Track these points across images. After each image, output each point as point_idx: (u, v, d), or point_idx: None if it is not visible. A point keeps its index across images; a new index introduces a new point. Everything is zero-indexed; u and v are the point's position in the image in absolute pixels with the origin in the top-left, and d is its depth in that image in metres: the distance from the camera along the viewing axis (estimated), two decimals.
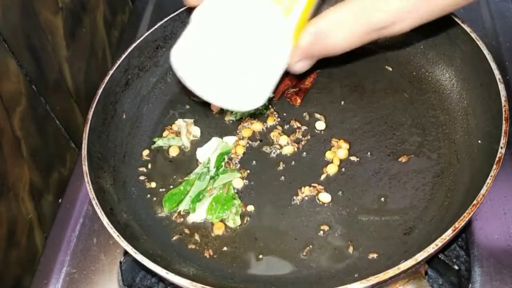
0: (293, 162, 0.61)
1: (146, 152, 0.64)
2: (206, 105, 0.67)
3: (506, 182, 0.61)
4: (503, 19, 0.79)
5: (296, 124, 0.64)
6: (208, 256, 0.55)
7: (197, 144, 0.64)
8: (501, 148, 0.50)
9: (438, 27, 0.62)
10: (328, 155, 0.60)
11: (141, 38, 0.65)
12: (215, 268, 0.54)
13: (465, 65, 0.61)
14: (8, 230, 0.60)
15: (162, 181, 0.62)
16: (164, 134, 0.66)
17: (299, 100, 0.65)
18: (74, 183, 0.71)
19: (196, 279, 0.47)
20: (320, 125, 0.63)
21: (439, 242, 0.45)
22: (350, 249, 0.53)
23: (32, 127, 0.63)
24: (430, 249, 0.45)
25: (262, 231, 0.56)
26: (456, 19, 0.60)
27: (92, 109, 0.60)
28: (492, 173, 0.48)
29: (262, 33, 0.38)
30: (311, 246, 0.54)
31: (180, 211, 0.58)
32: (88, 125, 0.59)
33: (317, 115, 0.64)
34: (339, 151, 0.60)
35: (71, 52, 0.71)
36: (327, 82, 0.68)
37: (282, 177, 0.60)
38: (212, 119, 0.67)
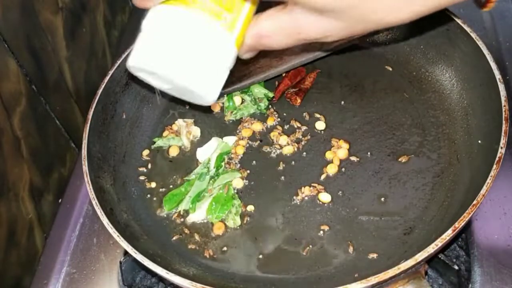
0: (293, 162, 0.61)
1: (146, 152, 0.64)
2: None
3: (506, 182, 0.61)
4: (503, 19, 0.79)
5: (296, 124, 0.64)
6: (208, 256, 0.55)
7: (197, 144, 0.64)
8: (501, 148, 0.50)
9: (438, 27, 0.62)
10: (328, 155, 0.60)
11: None
12: (215, 268, 0.54)
13: (465, 65, 0.61)
14: (8, 230, 0.60)
15: (162, 181, 0.62)
16: (164, 134, 0.66)
17: (299, 100, 0.65)
18: (74, 183, 0.71)
19: (196, 279, 0.47)
20: (320, 125, 0.63)
21: (439, 242, 0.45)
22: (350, 249, 0.53)
23: (32, 127, 0.63)
24: (430, 249, 0.45)
25: (262, 231, 0.56)
26: (456, 19, 0.60)
27: (92, 109, 0.60)
28: (492, 173, 0.48)
29: (208, 46, 0.44)
30: (311, 246, 0.54)
31: (180, 211, 0.58)
32: (88, 125, 0.59)
33: (317, 115, 0.64)
34: (339, 151, 0.60)
35: (71, 52, 0.71)
36: (327, 82, 0.68)
37: (282, 177, 0.60)
38: (212, 119, 0.67)
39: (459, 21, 0.60)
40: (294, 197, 0.58)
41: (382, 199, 0.56)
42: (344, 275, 0.51)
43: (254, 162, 0.62)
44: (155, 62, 0.44)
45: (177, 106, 0.68)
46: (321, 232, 0.55)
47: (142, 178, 0.62)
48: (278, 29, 0.44)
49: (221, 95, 0.65)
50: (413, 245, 0.52)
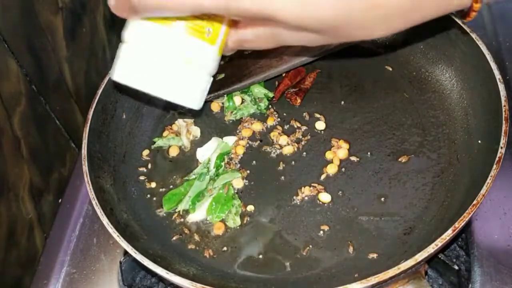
0: (293, 162, 0.61)
1: (146, 152, 0.64)
2: (206, 105, 0.68)
3: (506, 182, 0.61)
4: (503, 19, 0.79)
5: (296, 124, 0.64)
6: (208, 256, 0.55)
7: (197, 144, 0.64)
8: (501, 148, 0.50)
9: (438, 27, 0.62)
10: (328, 155, 0.60)
11: None
12: (215, 268, 0.54)
13: (465, 65, 0.61)
14: (8, 230, 0.60)
15: (162, 181, 0.62)
16: (164, 134, 0.66)
17: (299, 100, 0.65)
18: (74, 183, 0.71)
19: (196, 279, 0.47)
20: (320, 125, 0.63)
21: (439, 242, 0.45)
22: (350, 249, 0.53)
23: (32, 127, 0.63)
24: (430, 249, 0.45)
25: (262, 231, 0.56)
26: (456, 19, 0.60)
27: (92, 109, 0.60)
28: (492, 173, 0.48)
29: (191, 62, 0.45)
30: (311, 246, 0.54)
31: (180, 211, 0.58)
32: (88, 125, 0.59)
33: (317, 115, 0.64)
34: (339, 151, 0.60)
35: (71, 52, 0.71)
36: (327, 82, 0.68)
37: (282, 177, 0.60)
38: (212, 119, 0.67)
39: (459, 21, 0.60)
40: (294, 197, 0.58)
41: (382, 199, 0.56)
42: (344, 275, 0.51)
43: (254, 162, 0.62)
44: (138, 80, 0.45)
45: (177, 106, 0.68)
46: (321, 232, 0.55)
47: (142, 178, 0.62)
48: (259, 37, 0.45)
49: (221, 95, 0.66)
50: (413, 245, 0.52)
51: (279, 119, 0.65)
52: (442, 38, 0.63)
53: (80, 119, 0.75)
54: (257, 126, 0.64)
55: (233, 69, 0.67)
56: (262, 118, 0.65)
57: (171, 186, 0.61)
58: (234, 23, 0.46)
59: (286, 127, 0.64)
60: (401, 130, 0.61)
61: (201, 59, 0.45)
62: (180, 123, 0.66)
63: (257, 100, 0.66)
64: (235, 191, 0.59)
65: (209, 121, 0.66)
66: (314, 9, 0.38)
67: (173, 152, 0.64)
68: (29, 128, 0.63)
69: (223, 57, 0.49)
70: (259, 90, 0.66)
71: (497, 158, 0.49)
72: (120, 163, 0.62)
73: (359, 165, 0.59)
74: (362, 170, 0.59)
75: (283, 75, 0.67)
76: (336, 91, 0.66)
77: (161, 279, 0.61)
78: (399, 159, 0.59)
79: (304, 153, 0.61)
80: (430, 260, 0.52)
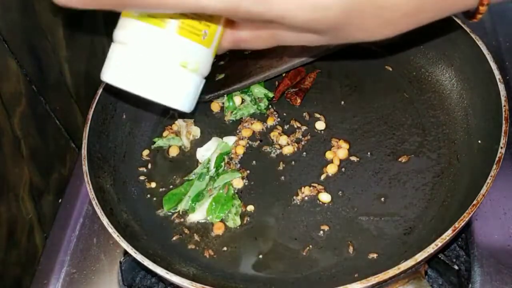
0: (293, 162, 0.61)
1: (146, 152, 0.64)
2: (206, 105, 0.68)
3: (506, 182, 0.61)
4: (503, 19, 0.79)
5: (296, 124, 0.64)
6: (208, 256, 0.55)
7: (197, 144, 0.64)
8: (501, 148, 0.50)
9: (438, 27, 0.62)
10: (328, 155, 0.60)
11: None
12: (215, 268, 0.54)
13: (465, 65, 0.61)
14: (8, 230, 0.59)
15: (162, 181, 0.62)
16: (164, 134, 0.66)
17: (299, 100, 0.65)
18: (74, 183, 0.71)
19: (196, 279, 0.47)
20: (320, 125, 0.63)
21: (439, 242, 0.45)
22: (350, 249, 0.53)
23: (32, 127, 0.63)
24: (430, 249, 0.45)
25: (262, 231, 0.56)
26: (456, 20, 0.60)
27: (92, 109, 0.60)
28: (492, 173, 0.48)
29: (187, 65, 0.44)
30: (311, 246, 0.54)
31: (180, 211, 0.58)
32: (88, 125, 0.59)
33: (317, 115, 0.64)
34: (339, 151, 0.60)
35: (71, 52, 0.71)
36: (327, 82, 0.68)
37: (282, 177, 0.60)
38: (212, 119, 0.67)
39: (458, 21, 0.60)
40: (294, 197, 0.58)
41: (382, 199, 0.56)
42: (344, 275, 0.51)
43: (254, 162, 0.62)
44: (128, 82, 0.43)
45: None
46: (321, 232, 0.55)
47: (142, 178, 0.62)
48: (258, 37, 0.44)
49: (221, 95, 0.66)
50: (413, 245, 0.52)
51: (279, 119, 0.65)
52: (442, 38, 0.63)
53: (80, 119, 0.75)
54: (257, 126, 0.64)
55: (233, 69, 0.67)
56: (262, 118, 0.65)
57: (171, 186, 0.61)
58: (230, 23, 0.45)
59: (286, 127, 0.64)
60: (401, 130, 0.61)
61: (196, 61, 0.44)
62: (180, 123, 0.66)
63: (257, 100, 0.66)
64: (235, 191, 0.59)
65: (209, 121, 0.66)
66: (321, 11, 0.37)
67: (173, 152, 0.64)
68: (29, 128, 0.63)
69: (223, 57, 0.49)
70: (259, 90, 0.66)
71: (497, 158, 0.49)
72: (120, 163, 0.62)
73: (359, 165, 0.59)
74: (362, 170, 0.59)
75: (283, 75, 0.67)
76: (336, 91, 0.66)
77: (161, 279, 0.61)
78: (399, 159, 0.59)
79: (304, 153, 0.61)
80: (430, 260, 0.52)
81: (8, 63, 0.58)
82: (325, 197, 0.57)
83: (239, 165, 0.62)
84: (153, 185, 0.61)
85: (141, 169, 0.63)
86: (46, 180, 0.68)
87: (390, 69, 0.67)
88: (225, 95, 0.66)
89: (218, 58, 0.56)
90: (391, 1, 0.38)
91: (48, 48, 0.66)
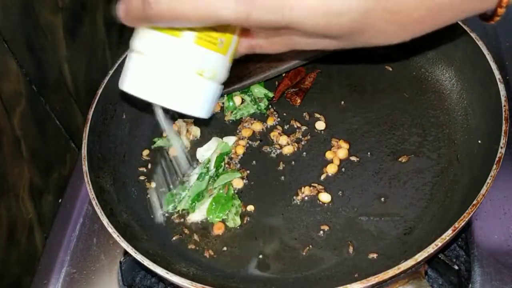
0: (293, 162, 0.61)
1: (146, 152, 0.64)
2: None
3: (506, 182, 0.61)
4: (503, 19, 0.78)
5: (296, 124, 0.64)
6: (208, 256, 0.55)
7: (197, 144, 0.64)
8: (501, 148, 0.50)
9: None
10: (328, 155, 0.60)
11: None
12: (215, 268, 0.54)
13: (465, 65, 0.61)
14: (8, 230, 0.60)
15: (162, 181, 0.62)
16: (164, 134, 0.66)
17: (299, 100, 0.65)
18: (74, 183, 0.71)
19: (196, 279, 0.47)
20: (320, 125, 0.63)
21: (439, 242, 0.45)
22: (350, 249, 0.53)
23: (32, 127, 0.63)
24: (430, 249, 0.45)
25: (262, 231, 0.56)
26: None
27: (92, 109, 0.60)
28: (492, 173, 0.48)
29: (203, 74, 0.44)
30: (311, 246, 0.54)
31: (180, 211, 0.58)
32: (88, 125, 0.59)
33: (317, 115, 0.64)
34: (339, 151, 0.60)
35: (71, 52, 0.71)
36: (327, 82, 0.68)
37: (282, 177, 0.60)
38: (212, 119, 0.67)
39: (458, 21, 0.60)
40: (294, 197, 0.58)
41: (382, 199, 0.56)
42: (344, 275, 0.51)
43: (254, 162, 0.62)
44: (147, 91, 0.44)
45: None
46: (321, 232, 0.55)
47: (142, 178, 0.62)
48: (273, 43, 0.45)
49: (221, 95, 0.66)
50: (413, 245, 0.52)
51: (279, 119, 0.65)
52: (442, 38, 0.63)
53: (80, 119, 0.75)
54: (257, 126, 0.64)
55: (233, 69, 0.67)
56: (262, 118, 0.65)
57: (171, 186, 0.61)
58: (246, 30, 0.45)
59: (286, 127, 0.64)
60: (401, 130, 0.61)
61: (213, 69, 0.44)
62: (180, 123, 0.66)
63: (257, 100, 0.66)
64: (235, 191, 0.59)
65: (209, 121, 0.66)
66: (333, 18, 0.37)
67: (173, 152, 0.64)
68: (29, 128, 0.63)
69: None
70: (259, 90, 0.66)
71: (497, 158, 0.49)
72: (120, 163, 0.62)
73: (359, 165, 0.59)
74: (362, 170, 0.59)
75: (283, 75, 0.67)
76: (336, 91, 0.66)
77: (161, 279, 0.61)
78: (399, 159, 0.59)
79: (304, 153, 0.61)
80: (430, 260, 0.52)
81: (8, 63, 0.58)
82: (325, 197, 0.57)
83: (239, 165, 0.62)
84: (153, 185, 0.61)
85: (141, 169, 0.63)
86: (46, 180, 0.68)
87: (390, 69, 0.67)
88: (225, 95, 0.66)
89: None
90: (404, 5, 0.37)
91: (48, 48, 0.66)
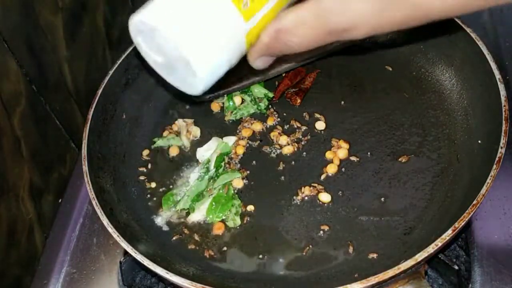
0: (293, 162, 0.61)
1: (146, 152, 0.64)
2: (206, 105, 0.68)
3: (506, 182, 0.61)
4: (503, 19, 0.79)
5: (296, 124, 0.64)
6: (208, 256, 0.55)
7: (197, 144, 0.64)
8: (501, 148, 0.50)
9: (438, 27, 0.62)
10: (328, 155, 0.60)
11: None
12: (215, 268, 0.54)
13: (465, 65, 0.61)
14: (8, 230, 0.60)
15: (162, 181, 0.62)
16: (164, 134, 0.66)
17: (299, 100, 0.65)
18: (74, 183, 0.71)
19: (196, 279, 0.47)
20: (320, 125, 0.63)
21: (439, 242, 0.45)
22: (350, 249, 0.53)
23: (32, 127, 0.63)
24: (430, 249, 0.45)
25: (262, 231, 0.56)
26: (456, 19, 0.60)
27: (92, 109, 0.60)
28: (492, 173, 0.48)
29: (219, 26, 0.39)
30: (311, 246, 0.54)
31: (179, 211, 0.58)
32: (88, 125, 0.59)
33: (317, 115, 0.64)
34: (339, 151, 0.60)
35: (71, 52, 0.71)
36: (327, 82, 0.68)
37: (282, 177, 0.60)
38: (212, 119, 0.67)
39: (459, 21, 0.60)
40: (294, 197, 0.58)
41: (382, 199, 0.56)
42: (344, 275, 0.51)
43: (254, 162, 0.62)
44: (166, 23, 0.39)
45: (177, 106, 0.68)
46: (321, 232, 0.55)
47: (142, 178, 0.62)
48: (301, 22, 0.39)
49: (221, 95, 0.66)
50: (413, 245, 0.52)
51: (279, 119, 0.65)
52: (442, 38, 0.63)
53: (80, 119, 0.75)
54: (257, 126, 0.64)
55: (233, 69, 0.67)
56: (262, 118, 0.65)
57: (171, 186, 0.61)
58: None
59: (286, 127, 0.64)
60: (401, 130, 0.61)
61: (227, 29, 0.39)
62: (180, 123, 0.66)
63: (257, 100, 0.66)
64: (235, 191, 0.59)
65: (209, 121, 0.66)
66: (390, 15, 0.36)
67: (173, 152, 0.64)
68: (29, 128, 0.63)
69: None
70: (259, 90, 0.66)
71: (497, 158, 0.49)
72: (120, 163, 0.62)
73: (359, 165, 0.59)
74: (362, 170, 0.59)
75: (283, 75, 0.67)
76: (336, 91, 0.66)
77: (161, 279, 0.61)
78: (399, 159, 0.59)
79: (304, 153, 0.61)
80: (430, 260, 0.52)
81: (8, 63, 0.58)
82: (325, 197, 0.57)
83: (239, 165, 0.62)
84: (153, 185, 0.61)
85: (141, 169, 0.63)
86: (46, 180, 0.68)
87: (390, 69, 0.67)
88: (225, 95, 0.66)
89: None
90: None
91: (48, 48, 0.66)
